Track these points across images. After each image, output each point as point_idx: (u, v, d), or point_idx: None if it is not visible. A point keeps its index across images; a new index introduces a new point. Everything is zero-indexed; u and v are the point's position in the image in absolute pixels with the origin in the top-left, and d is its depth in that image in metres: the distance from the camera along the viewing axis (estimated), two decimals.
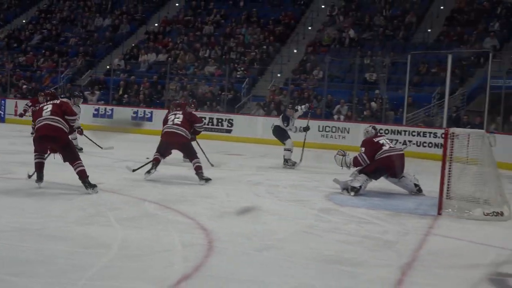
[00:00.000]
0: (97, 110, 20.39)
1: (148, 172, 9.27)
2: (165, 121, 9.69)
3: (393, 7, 24.49)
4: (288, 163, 11.90)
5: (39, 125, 7.96)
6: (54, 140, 7.93)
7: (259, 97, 21.60)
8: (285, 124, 12.10)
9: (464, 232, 6.75)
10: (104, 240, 5.45)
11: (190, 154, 9.46)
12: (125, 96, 21.80)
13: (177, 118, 9.50)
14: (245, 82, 21.91)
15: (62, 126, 7.92)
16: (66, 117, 8.00)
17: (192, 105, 11.87)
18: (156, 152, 9.48)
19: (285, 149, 12.00)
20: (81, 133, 11.61)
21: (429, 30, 22.99)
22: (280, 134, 12.18)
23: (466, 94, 19.15)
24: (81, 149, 12.09)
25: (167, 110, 11.87)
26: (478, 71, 19.78)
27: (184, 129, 9.39)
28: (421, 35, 23.08)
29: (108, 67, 24.59)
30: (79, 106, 12.88)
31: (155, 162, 9.36)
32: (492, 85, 16.25)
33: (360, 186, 8.75)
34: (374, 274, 4.90)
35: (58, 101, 8.21)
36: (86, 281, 4.31)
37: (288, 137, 12.09)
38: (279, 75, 22.77)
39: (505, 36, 21.06)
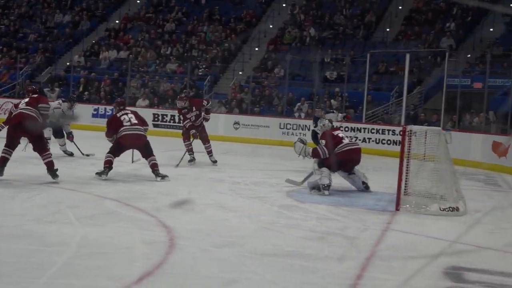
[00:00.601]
0: None
1: (100, 174, 8.95)
2: (118, 122, 9.20)
3: (353, 6, 24.77)
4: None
5: (14, 114, 8.31)
6: (27, 129, 8.16)
7: (220, 94, 21.64)
8: (314, 125, 12.06)
9: (421, 227, 6.91)
10: (64, 238, 5.41)
11: (149, 153, 9.25)
12: (86, 93, 21.53)
13: (131, 117, 9.25)
14: (206, 79, 21.89)
15: (34, 115, 8.20)
16: (39, 105, 8.33)
17: (178, 98, 11.93)
18: (109, 153, 9.13)
19: None
20: (71, 139, 11.53)
21: (388, 30, 23.34)
22: (315, 138, 11.92)
23: (423, 92, 19.52)
24: (71, 154, 11.81)
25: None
26: (435, 70, 20.20)
27: (142, 127, 9.30)
28: (380, 34, 23.41)
29: (68, 63, 24.25)
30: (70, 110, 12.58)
31: (109, 166, 9.04)
32: (448, 84, 16.60)
33: (330, 182, 8.73)
34: (334, 269, 4.98)
35: (35, 95, 8.60)
36: (47, 280, 4.28)
37: None
38: (240, 73, 22.83)
39: (461, 36, 21.52)
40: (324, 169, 8.78)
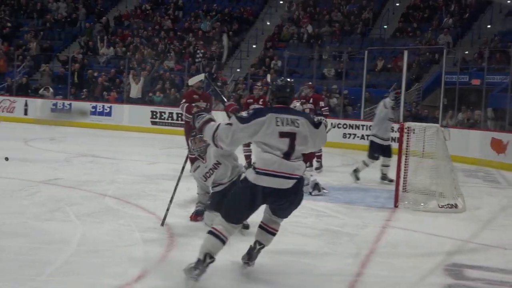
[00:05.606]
0: (55, 105, 19.96)
1: None
2: None
3: (350, 3, 24.76)
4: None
5: None
6: None
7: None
8: None
9: (420, 224, 6.90)
10: (64, 236, 5.40)
11: None
12: (84, 90, 21.34)
13: None
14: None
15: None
16: None
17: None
18: None
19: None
20: None
21: (385, 26, 23.34)
22: None
23: (421, 89, 19.50)
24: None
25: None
26: (433, 67, 20.19)
27: None
28: (377, 31, 23.41)
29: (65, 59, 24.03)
30: None
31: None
32: (446, 81, 16.59)
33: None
34: (334, 266, 4.99)
35: None
36: (47, 277, 4.29)
37: None
38: (238, 70, 22.79)
39: (459, 32, 21.54)
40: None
